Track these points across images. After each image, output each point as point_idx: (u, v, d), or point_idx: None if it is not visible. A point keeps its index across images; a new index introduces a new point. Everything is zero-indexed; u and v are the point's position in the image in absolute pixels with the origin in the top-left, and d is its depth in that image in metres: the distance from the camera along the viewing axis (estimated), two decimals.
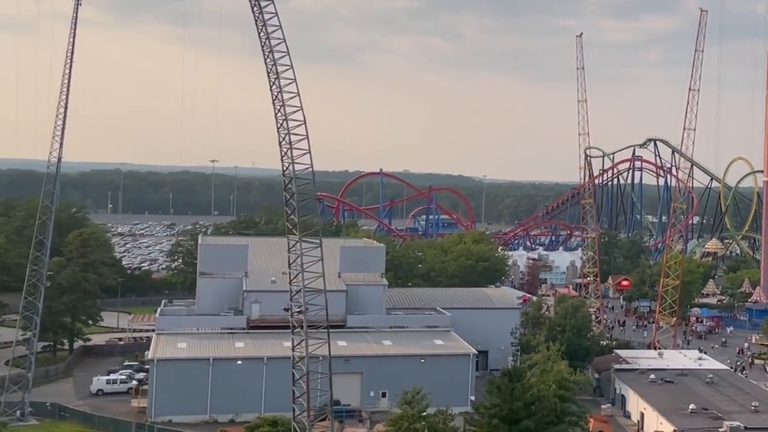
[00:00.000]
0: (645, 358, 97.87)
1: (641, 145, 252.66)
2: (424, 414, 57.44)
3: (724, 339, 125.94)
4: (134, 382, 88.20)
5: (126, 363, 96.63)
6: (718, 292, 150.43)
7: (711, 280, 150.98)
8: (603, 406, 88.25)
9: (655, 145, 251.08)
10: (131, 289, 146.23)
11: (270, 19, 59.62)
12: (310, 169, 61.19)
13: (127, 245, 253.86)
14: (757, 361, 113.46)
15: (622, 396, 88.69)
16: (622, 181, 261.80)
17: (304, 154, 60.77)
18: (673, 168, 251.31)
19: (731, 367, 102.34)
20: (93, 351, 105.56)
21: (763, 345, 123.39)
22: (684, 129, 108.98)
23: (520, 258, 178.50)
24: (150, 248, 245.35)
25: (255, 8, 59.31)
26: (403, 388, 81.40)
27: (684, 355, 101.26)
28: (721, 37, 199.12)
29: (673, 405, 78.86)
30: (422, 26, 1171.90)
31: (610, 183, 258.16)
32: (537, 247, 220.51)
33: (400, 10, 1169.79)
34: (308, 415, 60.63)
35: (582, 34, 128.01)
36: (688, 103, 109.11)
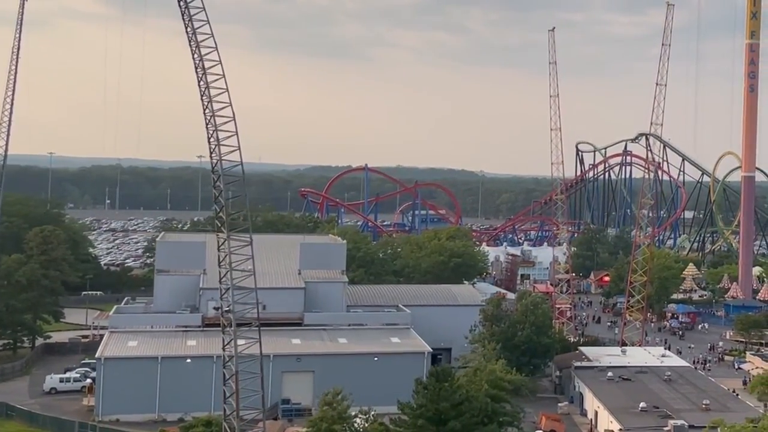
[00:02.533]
0: (608, 356, 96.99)
1: (633, 140, 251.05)
2: (345, 415, 56.55)
3: (683, 340, 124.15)
4: (88, 381, 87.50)
5: (83, 361, 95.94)
6: (697, 288, 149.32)
7: (690, 274, 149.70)
8: (560, 404, 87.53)
9: (647, 139, 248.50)
10: (107, 285, 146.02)
11: (197, 14, 58.86)
12: (240, 166, 60.61)
13: (116, 241, 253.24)
14: (727, 358, 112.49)
15: (581, 394, 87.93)
16: (614, 176, 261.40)
17: (233, 151, 60.12)
18: (664, 163, 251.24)
19: (693, 363, 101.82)
20: (55, 349, 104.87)
21: (737, 341, 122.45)
22: (651, 124, 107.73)
23: (502, 254, 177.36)
24: (138, 244, 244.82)
25: (181, 1, 58.54)
26: (356, 386, 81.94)
27: (648, 352, 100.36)
28: (707, 34, 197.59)
29: (624, 403, 78.15)
30: (429, 21, 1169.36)
31: (600, 177, 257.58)
32: (526, 242, 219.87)
33: (406, 5, 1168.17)
34: (237, 415, 59.76)
35: (554, 28, 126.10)
36: (654, 98, 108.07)
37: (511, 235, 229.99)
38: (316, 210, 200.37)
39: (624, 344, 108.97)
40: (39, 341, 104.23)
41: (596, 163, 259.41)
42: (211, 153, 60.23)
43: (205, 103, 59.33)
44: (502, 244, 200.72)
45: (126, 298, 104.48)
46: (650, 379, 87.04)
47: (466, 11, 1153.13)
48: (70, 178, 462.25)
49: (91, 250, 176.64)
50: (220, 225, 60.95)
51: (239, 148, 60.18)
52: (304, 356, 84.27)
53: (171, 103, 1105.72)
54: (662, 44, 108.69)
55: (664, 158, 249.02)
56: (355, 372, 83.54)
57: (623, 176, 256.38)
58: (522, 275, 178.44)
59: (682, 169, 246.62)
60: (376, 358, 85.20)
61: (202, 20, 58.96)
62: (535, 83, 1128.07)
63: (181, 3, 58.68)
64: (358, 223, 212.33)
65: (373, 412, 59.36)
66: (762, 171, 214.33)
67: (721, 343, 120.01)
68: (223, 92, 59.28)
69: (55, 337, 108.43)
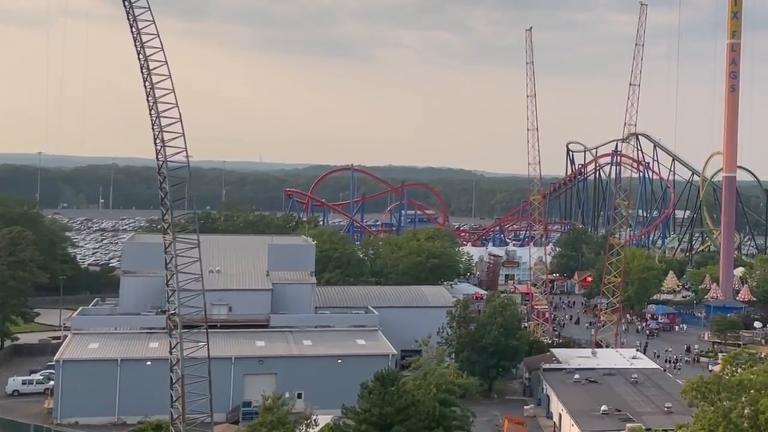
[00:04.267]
0: (578, 357, 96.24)
1: (623, 140, 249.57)
2: (285, 421, 55.86)
3: (659, 341, 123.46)
4: (52, 383, 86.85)
5: (49, 363, 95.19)
6: (678, 289, 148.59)
7: (672, 274, 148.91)
8: (526, 407, 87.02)
9: (637, 139, 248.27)
10: (86, 286, 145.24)
11: (141, 14, 58.08)
12: (186, 165, 59.94)
13: (104, 241, 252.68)
14: (703, 359, 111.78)
15: (548, 396, 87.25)
16: (604, 176, 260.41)
17: (180, 152, 59.51)
18: (655, 163, 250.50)
19: (665, 363, 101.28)
20: (24, 350, 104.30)
21: (715, 342, 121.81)
22: (624, 125, 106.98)
23: (485, 254, 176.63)
24: None
25: (126, 1, 57.86)
26: (319, 388, 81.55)
27: (619, 353, 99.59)
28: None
29: (587, 406, 77.47)
30: (431, 20, 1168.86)
31: (590, 177, 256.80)
32: (515, 242, 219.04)
33: (409, 4, 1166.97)
34: (182, 420, 59.12)
35: (531, 28, 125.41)
36: (628, 98, 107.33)
37: (499, 236, 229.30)
38: (301, 210, 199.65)
39: (598, 346, 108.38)
40: (7, 342, 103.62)
41: (586, 162, 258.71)
42: (157, 154, 59.61)
43: (150, 104, 58.62)
44: (487, 245, 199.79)
45: (96, 299, 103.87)
46: (617, 382, 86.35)
47: (469, 11, 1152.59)
48: (64, 177, 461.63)
49: (71, 250, 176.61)
50: (165, 227, 60.32)
51: (186, 149, 59.48)
52: (267, 358, 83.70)
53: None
54: (635, 44, 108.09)
55: (655, 158, 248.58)
56: (318, 374, 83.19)
57: (612, 176, 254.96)
58: (506, 275, 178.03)
59: (672, 169, 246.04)
60: (339, 360, 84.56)
61: (148, 20, 58.20)
62: (537, 83, 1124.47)
63: (126, 2, 58.08)
64: (341, 223, 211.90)
65: (315, 417, 58.67)
66: (749, 171, 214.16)
67: (696, 345, 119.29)
68: (169, 93, 58.46)
69: (25, 338, 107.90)
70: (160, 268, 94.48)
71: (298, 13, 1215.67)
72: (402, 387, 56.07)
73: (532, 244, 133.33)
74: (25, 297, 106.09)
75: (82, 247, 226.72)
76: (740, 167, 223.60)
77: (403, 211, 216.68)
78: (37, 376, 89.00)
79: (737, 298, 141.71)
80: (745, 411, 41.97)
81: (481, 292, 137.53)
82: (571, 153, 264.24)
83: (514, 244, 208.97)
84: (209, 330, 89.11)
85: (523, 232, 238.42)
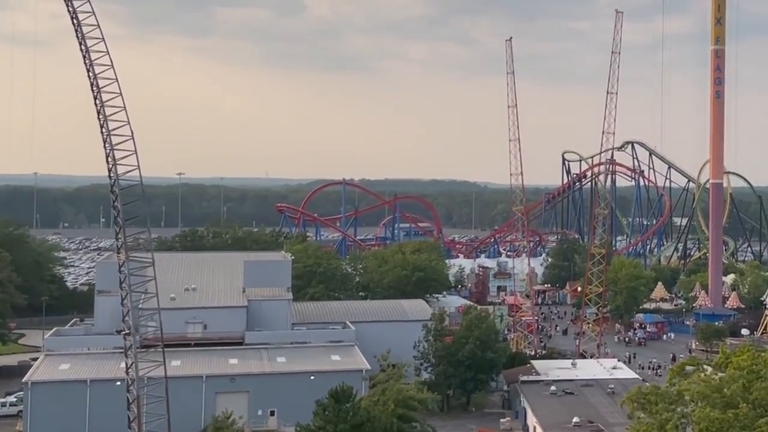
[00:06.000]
0: (558, 369, 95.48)
1: (619, 148, 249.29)
2: None
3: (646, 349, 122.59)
4: None
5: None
6: (668, 297, 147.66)
7: (660, 285, 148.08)
8: (502, 420, 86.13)
9: (633, 147, 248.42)
10: (73, 306, 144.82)
11: (90, 31, 58.00)
12: (139, 183, 59.80)
13: (97, 260, 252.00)
14: (689, 367, 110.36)
15: (524, 409, 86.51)
16: (599, 186, 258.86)
17: (133, 169, 59.27)
18: (651, 171, 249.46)
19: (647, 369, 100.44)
20: (3, 372, 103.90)
21: (702, 350, 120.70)
22: (603, 133, 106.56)
23: (476, 266, 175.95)
24: None
25: (69, 6, 57.71)
26: (292, 405, 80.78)
27: (600, 364, 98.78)
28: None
29: (560, 418, 76.83)
30: (436, 32, 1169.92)
31: (586, 186, 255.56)
32: (510, 253, 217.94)
33: (413, 17, 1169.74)
34: None
35: (511, 38, 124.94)
36: (606, 106, 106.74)
37: (495, 247, 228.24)
38: (294, 225, 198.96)
39: (582, 356, 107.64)
40: None
41: (582, 172, 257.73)
42: (109, 172, 59.36)
43: (101, 121, 58.44)
44: (480, 256, 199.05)
45: (74, 319, 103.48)
46: (594, 393, 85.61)
47: (474, 22, 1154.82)
48: (66, 197, 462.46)
49: (64, 270, 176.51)
50: (119, 246, 60.01)
51: (138, 167, 59.30)
52: (239, 376, 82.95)
53: (179, 120, 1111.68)
54: (612, 52, 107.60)
55: (651, 166, 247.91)
56: (291, 391, 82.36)
57: (607, 185, 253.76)
58: (499, 287, 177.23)
59: (668, 176, 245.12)
60: (312, 377, 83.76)
61: (97, 37, 58.08)
62: (541, 93, 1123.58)
63: (74, 21, 57.94)
64: (335, 238, 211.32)
65: None
66: (742, 177, 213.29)
67: (682, 355, 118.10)
68: (120, 110, 58.41)
69: (5, 360, 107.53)
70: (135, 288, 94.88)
71: (303, 28, 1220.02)
72: (357, 403, 55.37)
73: (515, 255, 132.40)
74: (3, 318, 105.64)
75: (77, 266, 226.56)
76: (733, 173, 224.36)
77: (397, 225, 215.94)
78: (11, 398, 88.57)
79: (726, 305, 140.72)
80: (682, 421, 41.37)
81: (464, 305, 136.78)
82: (567, 163, 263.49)
83: (508, 255, 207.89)
84: (183, 349, 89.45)
85: (519, 243, 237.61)
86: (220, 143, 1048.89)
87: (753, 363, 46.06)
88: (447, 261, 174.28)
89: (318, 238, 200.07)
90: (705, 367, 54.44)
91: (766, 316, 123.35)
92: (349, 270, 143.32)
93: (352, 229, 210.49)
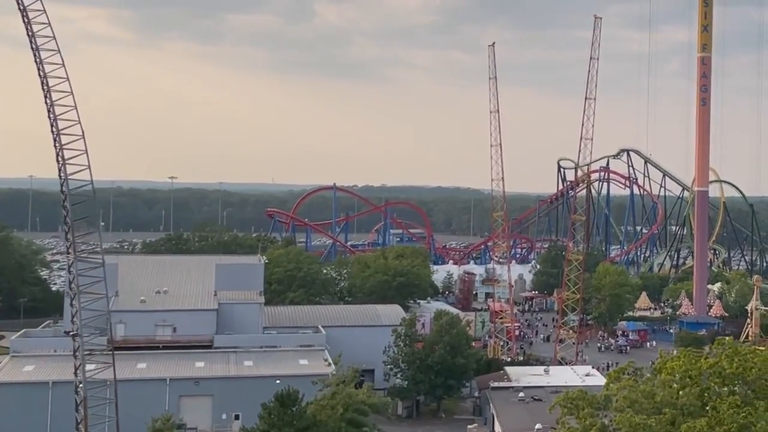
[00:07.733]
0: (530, 375, 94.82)
1: (615, 156, 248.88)
2: None
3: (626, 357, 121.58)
4: None
5: None
6: (652, 307, 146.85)
7: (644, 294, 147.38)
8: (469, 427, 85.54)
9: (628, 155, 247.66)
10: (56, 308, 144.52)
11: (41, 29, 57.61)
12: (90, 186, 59.38)
13: None
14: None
15: (493, 415, 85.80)
16: (594, 193, 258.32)
17: (83, 169, 58.86)
18: (646, 179, 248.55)
19: None
20: None
21: None
22: (581, 139, 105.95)
23: (463, 272, 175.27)
24: None
25: (20, 4, 57.30)
26: (256, 409, 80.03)
27: (573, 371, 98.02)
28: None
29: (523, 425, 75.99)
30: (444, 40, 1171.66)
31: (581, 194, 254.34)
32: (496, 260, 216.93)
33: (422, 24, 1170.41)
34: None
35: (494, 43, 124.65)
36: (584, 112, 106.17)
37: (487, 254, 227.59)
38: (284, 230, 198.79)
39: (560, 363, 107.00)
40: None
41: (577, 178, 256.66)
42: (59, 172, 59.00)
43: (51, 121, 58.07)
44: (469, 263, 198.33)
45: (47, 321, 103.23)
46: None
47: (482, 30, 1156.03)
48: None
49: (56, 273, 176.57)
50: (68, 247, 59.66)
51: (89, 167, 58.90)
52: (204, 380, 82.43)
53: (185, 125, 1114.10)
54: (590, 58, 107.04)
55: (646, 173, 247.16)
56: (256, 395, 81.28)
57: (602, 192, 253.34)
58: (487, 293, 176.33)
59: (663, 184, 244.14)
60: (278, 381, 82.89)
61: (48, 36, 57.67)
62: (549, 101, 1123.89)
63: (24, 18, 57.53)
64: (321, 243, 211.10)
65: None
66: (734, 186, 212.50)
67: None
68: (71, 110, 58.04)
69: None
70: (103, 289, 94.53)
71: (312, 35, 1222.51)
72: (304, 408, 54.81)
73: (505, 261, 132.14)
74: None
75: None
76: (727, 182, 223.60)
77: (389, 231, 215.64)
78: None
79: (710, 313, 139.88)
80: (608, 425, 40.74)
81: (453, 310, 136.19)
82: (562, 170, 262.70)
83: (499, 262, 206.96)
84: (151, 351, 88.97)
85: (513, 249, 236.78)
86: (226, 148, 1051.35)
87: (688, 369, 45.42)
88: (435, 267, 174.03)
89: (309, 244, 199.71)
90: (643, 372, 53.66)
91: (748, 324, 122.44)
92: (333, 275, 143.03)
93: (343, 234, 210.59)
